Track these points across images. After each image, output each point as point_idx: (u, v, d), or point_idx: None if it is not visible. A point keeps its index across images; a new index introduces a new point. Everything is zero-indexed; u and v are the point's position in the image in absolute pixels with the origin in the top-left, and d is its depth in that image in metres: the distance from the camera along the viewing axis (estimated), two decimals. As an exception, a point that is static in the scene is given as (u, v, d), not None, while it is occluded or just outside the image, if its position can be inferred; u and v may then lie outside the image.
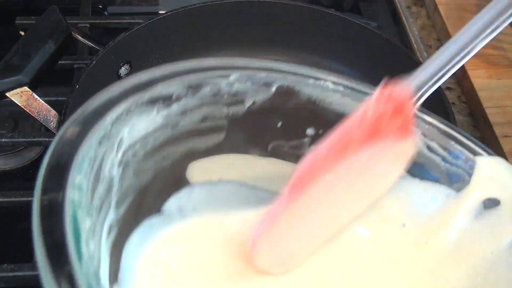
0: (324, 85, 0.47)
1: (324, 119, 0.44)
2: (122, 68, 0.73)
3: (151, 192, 0.46)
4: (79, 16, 0.89)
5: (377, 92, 0.41)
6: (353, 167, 0.40)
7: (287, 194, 0.42)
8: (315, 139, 0.47)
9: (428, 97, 0.69)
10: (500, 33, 0.90)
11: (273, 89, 0.47)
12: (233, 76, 0.46)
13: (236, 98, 0.47)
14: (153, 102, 0.43)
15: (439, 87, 0.69)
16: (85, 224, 0.35)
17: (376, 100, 0.40)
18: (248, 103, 0.47)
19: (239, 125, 0.48)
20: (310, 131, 0.49)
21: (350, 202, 0.43)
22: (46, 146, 0.74)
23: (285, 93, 0.47)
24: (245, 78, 0.46)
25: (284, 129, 0.49)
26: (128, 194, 0.43)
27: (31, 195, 0.65)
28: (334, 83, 0.47)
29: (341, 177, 0.41)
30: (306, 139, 0.49)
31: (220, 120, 0.48)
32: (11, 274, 0.59)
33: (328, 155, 0.40)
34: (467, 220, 0.44)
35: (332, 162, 0.40)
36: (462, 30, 0.44)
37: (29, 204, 0.66)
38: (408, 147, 0.42)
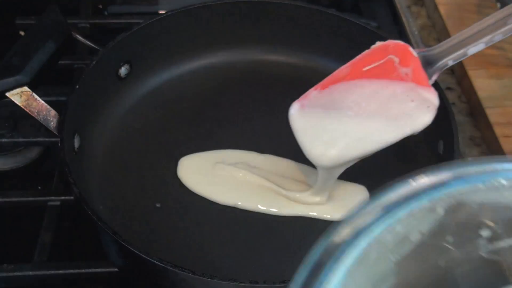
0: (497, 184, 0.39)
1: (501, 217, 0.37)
2: (122, 68, 0.73)
3: None
4: (79, 16, 0.89)
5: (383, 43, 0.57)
6: (377, 89, 0.55)
7: (321, 85, 0.58)
8: (492, 239, 0.39)
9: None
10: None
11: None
12: None
13: None
14: None
15: (439, 87, 0.69)
16: None
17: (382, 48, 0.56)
18: None
19: None
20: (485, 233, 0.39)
21: (377, 122, 0.55)
22: (46, 146, 0.74)
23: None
24: None
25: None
26: None
27: (31, 195, 0.66)
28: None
29: (366, 89, 0.55)
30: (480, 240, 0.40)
31: None
32: (11, 274, 0.59)
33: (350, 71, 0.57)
34: None
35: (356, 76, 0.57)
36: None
37: (29, 204, 0.66)
38: (431, 96, 0.54)
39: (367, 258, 0.34)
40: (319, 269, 0.33)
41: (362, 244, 0.35)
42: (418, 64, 0.55)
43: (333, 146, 0.57)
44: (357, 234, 0.35)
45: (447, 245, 0.39)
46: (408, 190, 0.37)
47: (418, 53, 0.57)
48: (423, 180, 0.38)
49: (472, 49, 0.54)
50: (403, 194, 0.37)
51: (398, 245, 0.36)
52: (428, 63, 0.56)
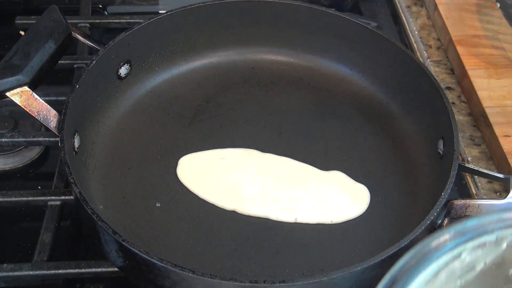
0: None
1: None
2: (122, 67, 0.73)
3: None
4: (79, 16, 0.89)
5: None
6: None
7: None
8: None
9: (428, 96, 0.69)
10: (500, 33, 0.91)
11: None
12: None
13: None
14: None
15: (439, 87, 0.69)
16: None
17: None
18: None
19: None
20: None
21: None
22: (46, 146, 0.74)
23: None
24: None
25: None
26: None
27: (31, 195, 0.66)
28: None
29: None
30: None
31: None
32: (11, 274, 0.59)
33: None
34: None
35: None
36: None
37: (29, 204, 0.66)
38: None
39: (437, 280, 0.41)
40: (394, 285, 0.40)
41: (434, 267, 0.41)
42: None
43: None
44: (430, 259, 0.41)
45: (509, 276, 0.45)
46: (478, 224, 0.43)
47: None
48: (491, 218, 0.43)
49: None
50: (474, 227, 0.42)
51: (465, 272, 0.42)
52: None
